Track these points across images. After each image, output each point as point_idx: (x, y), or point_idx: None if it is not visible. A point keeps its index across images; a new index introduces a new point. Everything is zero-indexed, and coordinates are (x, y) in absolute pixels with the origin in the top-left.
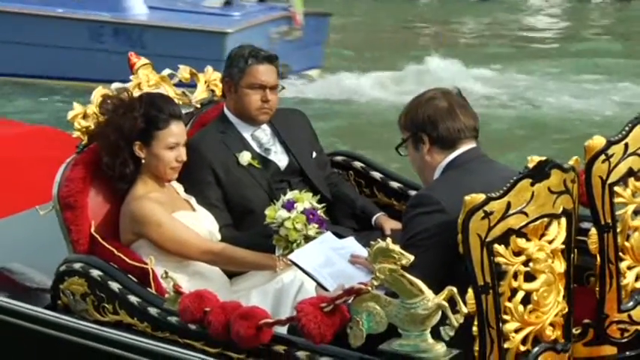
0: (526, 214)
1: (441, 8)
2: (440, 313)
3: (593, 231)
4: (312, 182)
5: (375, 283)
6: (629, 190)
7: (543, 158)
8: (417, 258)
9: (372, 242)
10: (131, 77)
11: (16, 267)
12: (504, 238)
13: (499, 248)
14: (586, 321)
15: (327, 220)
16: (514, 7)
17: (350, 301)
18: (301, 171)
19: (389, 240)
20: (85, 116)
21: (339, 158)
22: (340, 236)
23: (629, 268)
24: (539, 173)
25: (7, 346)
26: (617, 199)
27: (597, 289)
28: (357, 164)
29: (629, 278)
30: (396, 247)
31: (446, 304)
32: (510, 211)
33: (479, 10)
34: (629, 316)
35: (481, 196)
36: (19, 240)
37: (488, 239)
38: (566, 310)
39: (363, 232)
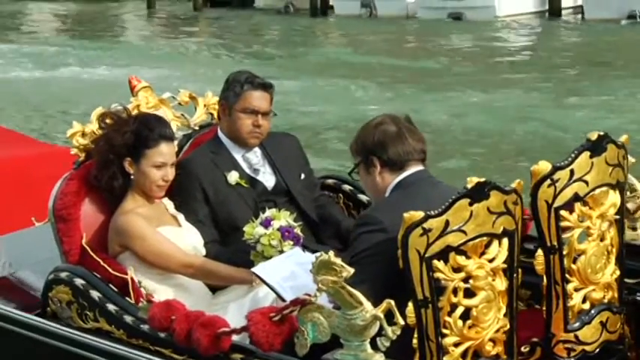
0: (465, 232)
1: None
2: (378, 324)
3: (540, 252)
4: (298, 202)
5: (318, 294)
6: (576, 215)
7: (482, 180)
8: (362, 274)
9: (317, 255)
10: (131, 99)
11: (22, 275)
12: (443, 255)
13: (438, 264)
14: (534, 339)
15: (302, 237)
16: None
17: (296, 312)
18: (288, 191)
19: (331, 253)
20: (83, 134)
21: (329, 181)
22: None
23: (576, 289)
24: (477, 194)
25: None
26: (563, 223)
27: (544, 308)
28: (346, 187)
29: (575, 299)
30: (338, 260)
31: (381, 315)
32: (449, 229)
33: None
34: (576, 336)
35: (420, 214)
36: (29, 251)
37: (427, 255)
38: (508, 327)
39: (347, 252)
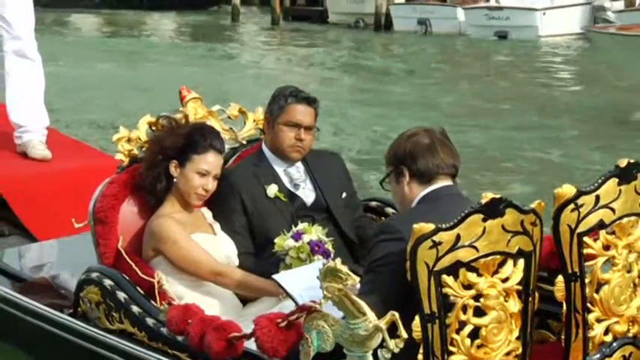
0: (476, 248)
1: None
2: (381, 335)
3: (560, 279)
4: (337, 220)
5: (324, 301)
6: (600, 243)
7: (497, 196)
8: (375, 283)
9: (324, 262)
10: (180, 109)
11: (64, 276)
12: (453, 270)
13: (447, 279)
14: None
15: (332, 252)
16: None
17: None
18: (327, 209)
19: (338, 260)
20: (128, 140)
21: (373, 204)
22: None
23: (598, 320)
24: (491, 210)
25: (33, 345)
26: (586, 250)
27: (562, 337)
28: (390, 210)
29: (597, 330)
30: (344, 268)
31: (383, 327)
32: (459, 244)
33: None
34: None
35: (430, 226)
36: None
37: (436, 269)
38: (520, 351)
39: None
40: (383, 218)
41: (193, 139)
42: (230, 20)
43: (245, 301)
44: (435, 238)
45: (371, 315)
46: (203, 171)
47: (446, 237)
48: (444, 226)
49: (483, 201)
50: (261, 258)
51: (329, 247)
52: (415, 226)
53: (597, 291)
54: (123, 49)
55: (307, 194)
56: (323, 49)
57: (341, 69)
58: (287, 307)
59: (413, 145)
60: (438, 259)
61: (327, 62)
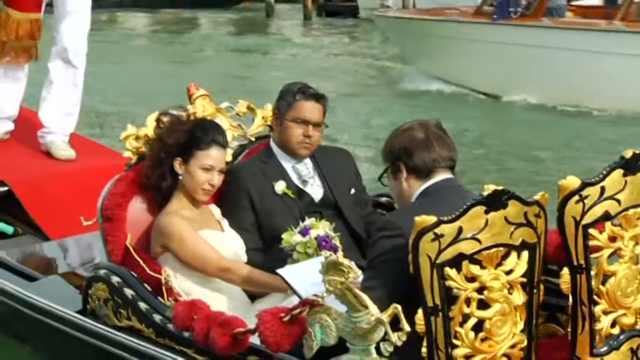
0: (479, 240)
1: None
2: (383, 329)
3: (565, 271)
4: (345, 217)
5: (326, 295)
6: (606, 235)
7: (500, 187)
8: (377, 279)
9: (326, 256)
10: (188, 106)
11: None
12: (456, 263)
13: (450, 272)
14: None
15: (340, 247)
16: None
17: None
18: (335, 205)
19: (340, 254)
20: (137, 138)
21: (383, 199)
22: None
23: (605, 312)
24: (494, 202)
25: (44, 343)
26: (592, 242)
27: (569, 330)
28: None
29: (604, 323)
30: (346, 261)
31: (385, 320)
32: (462, 236)
33: None
34: None
35: (432, 218)
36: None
37: (438, 261)
38: (525, 343)
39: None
40: None
41: (195, 135)
42: (265, 15)
43: (254, 297)
44: (436, 230)
45: (373, 308)
46: (207, 166)
47: (448, 229)
48: (445, 218)
49: (485, 193)
50: (270, 254)
51: (336, 242)
52: (417, 218)
53: (603, 283)
54: (171, 46)
55: (315, 190)
56: (350, 41)
57: (361, 56)
58: (295, 302)
59: (408, 140)
60: (440, 251)
61: (355, 51)
